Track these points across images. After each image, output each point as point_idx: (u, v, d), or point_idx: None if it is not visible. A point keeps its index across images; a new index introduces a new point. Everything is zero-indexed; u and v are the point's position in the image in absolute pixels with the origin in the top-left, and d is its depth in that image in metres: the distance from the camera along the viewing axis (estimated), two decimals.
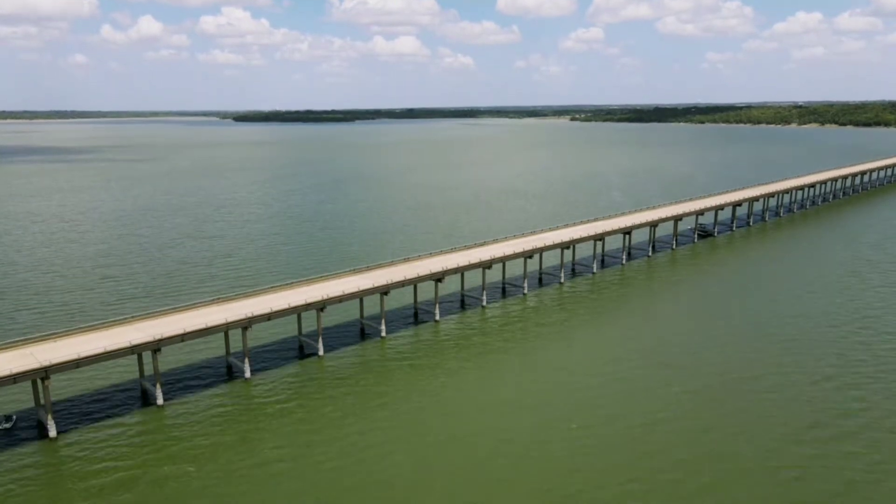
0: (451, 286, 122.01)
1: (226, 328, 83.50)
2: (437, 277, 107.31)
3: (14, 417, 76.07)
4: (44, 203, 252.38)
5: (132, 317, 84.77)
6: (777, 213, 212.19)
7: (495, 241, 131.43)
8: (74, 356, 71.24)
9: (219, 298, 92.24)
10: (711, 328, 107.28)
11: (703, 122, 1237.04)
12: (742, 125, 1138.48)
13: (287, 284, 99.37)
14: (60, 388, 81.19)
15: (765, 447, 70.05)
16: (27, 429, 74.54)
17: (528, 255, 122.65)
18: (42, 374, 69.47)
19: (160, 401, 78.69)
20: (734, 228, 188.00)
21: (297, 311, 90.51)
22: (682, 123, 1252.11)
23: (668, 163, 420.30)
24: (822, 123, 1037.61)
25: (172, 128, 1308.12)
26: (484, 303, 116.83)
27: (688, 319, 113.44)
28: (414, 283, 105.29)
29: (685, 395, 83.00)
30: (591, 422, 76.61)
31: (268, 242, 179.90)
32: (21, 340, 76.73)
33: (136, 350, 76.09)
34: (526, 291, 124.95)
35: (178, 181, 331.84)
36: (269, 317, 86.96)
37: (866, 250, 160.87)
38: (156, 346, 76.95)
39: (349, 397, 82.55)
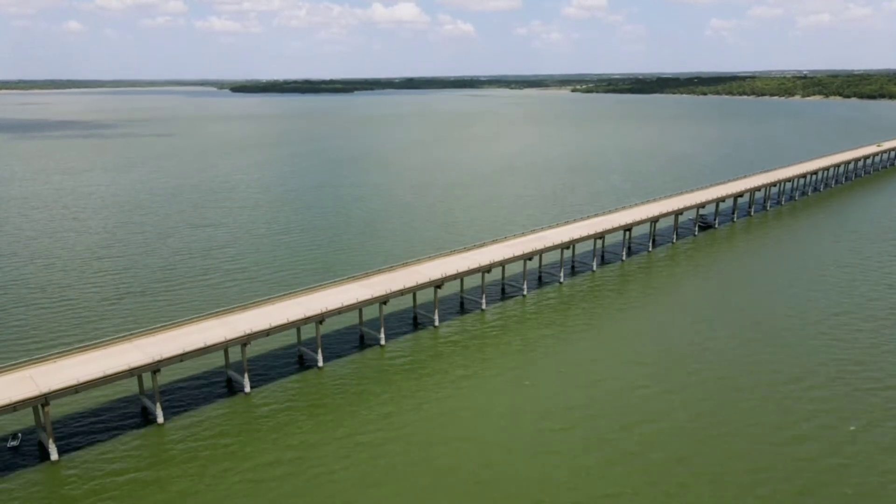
0: (450, 288, 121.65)
1: (225, 346, 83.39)
2: (437, 284, 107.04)
3: (20, 436, 76.63)
4: (45, 187, 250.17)
5: (131, 334, 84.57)
6: (778, 201, 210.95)
7: (494, 241, 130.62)
8: (73, 381, 71.31)
9: (217, 311, 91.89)
10: (709, 330, 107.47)
11: (705, 94, 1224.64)
12: (745, 97, 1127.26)
13: (286, 294, 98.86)
14: (61, 405, 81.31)
15: (751, 455, 70.95)
16: (29, 451, 74.86)
17: (527, 256, 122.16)
18: (42, 401, 69.62)
19: (160, 419, 78.99)
20: (735, 219, 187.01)
21: (296, 325, 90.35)
22: (684, 95, 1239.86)
23: (669, 140, 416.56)
24: (827, 95, 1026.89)
25: (172, 99, 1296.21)
26: (483, 306, 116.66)
27: (686, 321, 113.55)
28: (413, 291, 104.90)
29: (681, 399, 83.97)
30: (588, 427, 78.36)
31: (267, 231, 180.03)
32: (20, 363, 76.67)
33: (134, 373, 76.13)
34: (525, 293, 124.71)
35: (180, 161, 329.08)
36: (267, 332, 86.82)
37: (864, 241, 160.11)
38: (155, 368, 76.99)
39: (349, 411, 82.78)
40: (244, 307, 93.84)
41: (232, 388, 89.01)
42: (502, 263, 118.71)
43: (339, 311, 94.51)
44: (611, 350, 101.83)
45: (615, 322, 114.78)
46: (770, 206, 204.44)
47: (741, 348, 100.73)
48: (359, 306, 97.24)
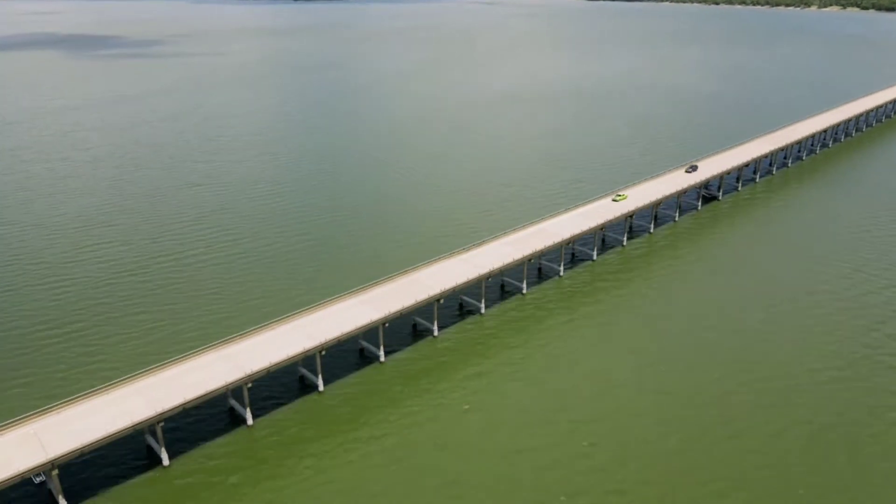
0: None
1: (226, 389, 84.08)
2: (437, 299, 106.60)
3: (43, 473, 78.80)
4: (39, 132, 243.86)
5: (132, 376, 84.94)
6: (785, 163, 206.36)
7: (494, 237, 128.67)
8: (79, 445, 72.55)
9: (216, 343, 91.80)
10: (708, 326, 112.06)
11: (717, 3, 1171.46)
12: (759, 7, 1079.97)
13: (284, 318, 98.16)
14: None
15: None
16: (45, 496, 77.17)
17: (527, 259, 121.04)
18: (49, 467, 71.09)
19: (166, 461, 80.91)
20: (740, 188, 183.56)
21: (296, 359, 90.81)
22: (695, 4, 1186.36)
23: (673, 69, 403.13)
24: (844, 7, 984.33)
25: (173, 7, 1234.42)
26: (482, 311, 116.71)
27: (686, 317, 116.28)
28: (412, 309, 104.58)
29: (679, 405, 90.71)
30: (592, 439, 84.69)
31: (265, 191, 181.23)
32: (23, 417, 77.37)
33: (138, 427, 77.23)
34: (524, 291, 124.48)
35: (170, 99, 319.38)
36: (268, 370, 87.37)
37: (864, 212, 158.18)
38: (158, 420, 78.08)
39: (352, 438, 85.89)
40: (242, 336, 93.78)
41: (234, 418, 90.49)
42: (502, 270, 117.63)
43: (339, 340, 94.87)
44: (610, 354, 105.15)
45: (615, 321, 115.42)
46: (776, 170, 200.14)
47: (740, 346, 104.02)
48: (358, 331, 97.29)
